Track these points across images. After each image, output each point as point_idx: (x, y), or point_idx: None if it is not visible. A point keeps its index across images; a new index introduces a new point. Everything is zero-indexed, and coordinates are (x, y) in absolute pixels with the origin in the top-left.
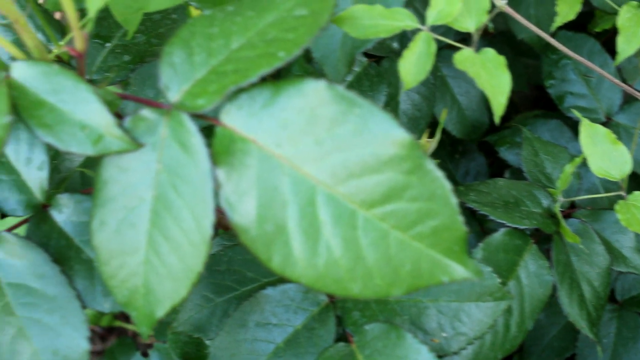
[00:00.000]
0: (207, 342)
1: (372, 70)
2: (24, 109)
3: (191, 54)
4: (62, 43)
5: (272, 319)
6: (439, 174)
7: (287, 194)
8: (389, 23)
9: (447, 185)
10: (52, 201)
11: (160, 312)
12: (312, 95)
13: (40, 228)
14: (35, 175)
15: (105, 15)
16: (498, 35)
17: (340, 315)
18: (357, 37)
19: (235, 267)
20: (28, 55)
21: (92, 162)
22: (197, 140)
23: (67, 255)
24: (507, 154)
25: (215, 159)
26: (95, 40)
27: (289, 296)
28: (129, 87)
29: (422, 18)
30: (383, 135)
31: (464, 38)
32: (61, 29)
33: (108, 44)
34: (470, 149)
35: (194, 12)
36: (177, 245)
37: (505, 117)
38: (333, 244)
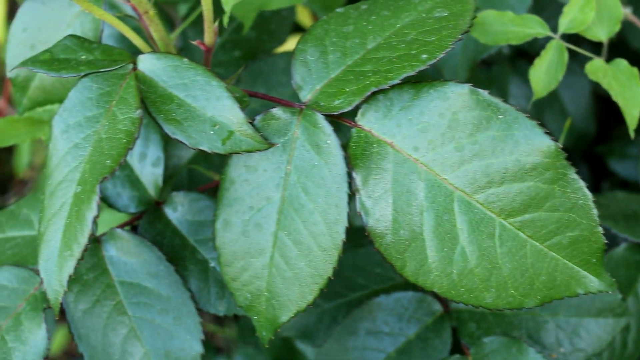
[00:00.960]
0: (312, 349)
1: (482, 75)
2: (152, 103)
3: (325, 53)
4: (173, 36)
5: (383, 328)
6: (582, 184)
7: (423, 200)
8: (520, 30)
9: (590, 196)
10: (166, 198)
11: (285, 317)
12: (455, 99)
13: (153, 226)
14: (150, 171)
15: (215, 9)
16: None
17: (456, 326)
18: (485, 43)
19: (345, 272)
20: (152, 48)
21: (200, 160)
22: (332, 141)
23: (181, 254)
24: (617, 166)
25: (351, 162)
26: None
27: (402, 305)
28: (239, 84)
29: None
30: (527, 143)
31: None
32: (169, 21)
33: (218, 39)
34: (574, 159)
35: (302, 10)
36: (306, 249)
37: (609, 127)
38: (469, 253)
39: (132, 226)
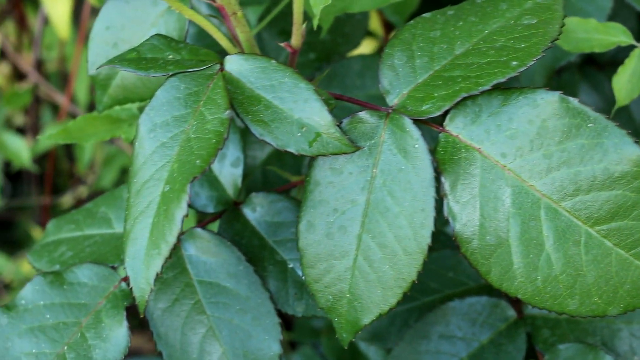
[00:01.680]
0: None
1: (552, 82)
2: (239, 104)
3: (412, 57)
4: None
5: (457, 332)
6: None
7: (509, 206)
8: (604, 38)
9: None
10: (245, 199)
11: (367, 319)
12: (544, 107)
13: (232, 226)
14: (229, 171)
15: (289, 10)
16: None
17: (530, 332)
18: (569, 50)
19: (418, 276)
20: (238, 49)
21: (274, 161)
22: (420, 146)
23: (260, 255)
24: None
25: (439, 167)
26: (280, 36)
27: (476, 310)
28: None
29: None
30: (616, 151)
31: None
32: None
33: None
34: None
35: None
36: (390, 253)
37: None
38: (554, 260)
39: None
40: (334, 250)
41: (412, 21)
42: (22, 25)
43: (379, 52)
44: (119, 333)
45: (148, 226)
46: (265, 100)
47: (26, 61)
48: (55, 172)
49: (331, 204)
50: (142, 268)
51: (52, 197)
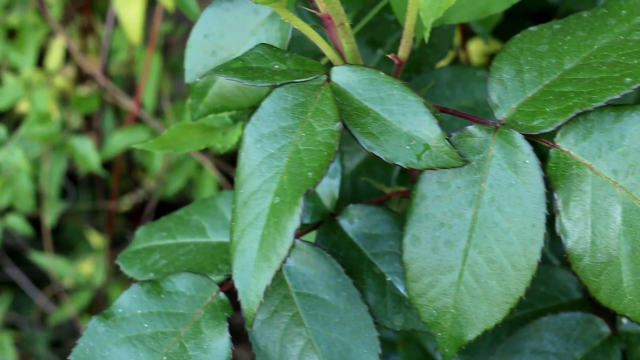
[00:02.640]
0: None
1: None
2: (347, 116)
3: (520, 71)
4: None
5: (550, 348)
6: None
7: (620, 224)
8: None
9: None
10: (342, 210)
11: (471, 335)
12: None
13: (329, 237)
14: (326, 182)
15: (378, 20)
16: None
17: (625, 349)
18: None
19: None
20: (342, 60)
21: (363, 171)
22: (531, 161)
23: (358, 267)
24: None
25: (552, 183)
26: (368, 46)
27: (569, 325)
28: None
29: None
30: None
31: None
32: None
33: (379, 50)
34: None
35: None
36: (498, 268)
37: None
38: None
39: None
40: (439, 264)
41: (518, 35)
42: (87, 27)
43: (467, 63)
44: (220, 344)
45: (257, 238)
46: (374, 112)
47: (91, 64)
48: (108, 177)
49: (437, 217)
50: (251, 280)
51: (109, 202)
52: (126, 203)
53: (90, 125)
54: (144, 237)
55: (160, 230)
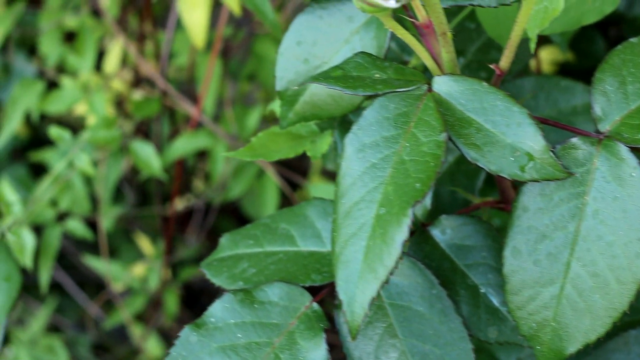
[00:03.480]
0: None
1: None
2: (450, 126)
3: (623, 83)
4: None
5: None
6: None
7: None
8: None
9: None
10: (433, 221)
11: (572, 348)
12: None
13: (421, 248)
14: None
15: (460, 28)
16: None
17: None
18: None
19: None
20: (439, 69)
21: (446, 181)
22: (637, 175)
23: (451, 279)
24: None
25: None
26: None
27: None
28: None
29: None
30: None
31: None
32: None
33: (462, 59)
34: None
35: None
36: (602, 282)
37: None
38: None
39: None
40: (540, 277)
41: (619, 46)
42: (144, 31)
43: (538, 72)
44: (316, 356)
45: (362, 249)
46: (477, 123)
47: (148, 67)
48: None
49: (539, 230)
50: (356, 292)
51: (163, 206)
52: (175, 207)
53: (140, 129)
54: (229, 245)
55: (247, 238)
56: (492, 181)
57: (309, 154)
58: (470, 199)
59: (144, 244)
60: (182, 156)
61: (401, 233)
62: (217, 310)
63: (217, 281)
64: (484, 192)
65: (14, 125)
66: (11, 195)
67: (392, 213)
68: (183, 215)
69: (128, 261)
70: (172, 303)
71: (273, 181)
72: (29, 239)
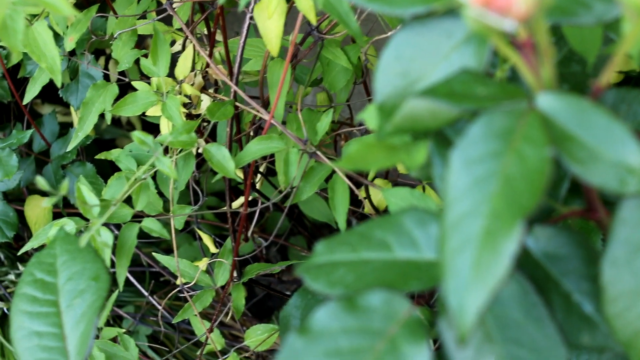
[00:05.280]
0: None
1: None
2: (553, 141)
3: None
4: (505, 67)
5: None
6: None
7: None
8: None
9: None
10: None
11: None
12: None
13: (516, 256)
14: None
15: None
16: None
17: None
18: None
19: None
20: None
21: None
22: None
23: (544, 287)
24: None
25: None
26: None
27: None
28: None
29: None
30: None
31: None
32: None
33: None
34: None
35: None
36: None
37: None
38: None
39: None
40: (637, 288)
41: None
42: (214, 36)
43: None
44: None
45: (470, 260)
46: (580, 138)
47: (220, 72)
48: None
49: (637, 243)
50: (466, 301)
51: (232, 207)
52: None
53: (201, 132)
54: (324, 251)
55: (342, 245)
56: (573, 189)
57: (405, 164)
58: (556, 208)
59: (207, 241)
60: (255, 158)
61: (511, 245)
62: (321, 316)
63: (316, 286)
64: (568, 201)
65: (89, 126)
66: (90, 197)
67: (501, 226)
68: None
69: (187, 258)
70: (239, 298)
71: (344, 183)
72: (107, 238)
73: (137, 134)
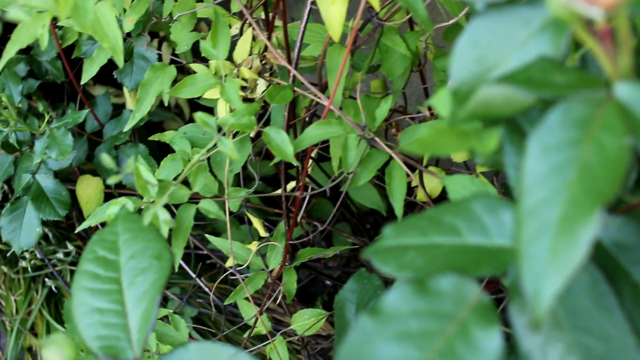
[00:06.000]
0: None
1: None
2: (631, 130)
3: None
4: (575, 56)
5: None
6: None
7: None
8: None
9: None
10: None
11: None
12: None
13: None
14: None
15: None
16: None
17: None
18: None
19: None
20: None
21: None
22: None
23: (613, 276)
24: None
25: None
26: None
27: None
28: None
29: None
30: None
31: None
32: None
33: None
34: None
35: None
36: None
37: None
38: None
39: None
40: None
41: None
42: (272, 21)
43: None
44: (490, 345)
45: (547, 246)
46: None
47: (279, 56)
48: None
49: None
50: (542, 287)
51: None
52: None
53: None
54: (393, 235)
55: (411, 229)
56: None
57: (477, 151)
58: (625, 198)
59: (257, 225)
60: (313, 143)
61: (588, 232)
62: (392, 298)
63: (384, 269)
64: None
65: (146, 107)
66: (149, 176)
67: (579, 213)
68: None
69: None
70: (291, 282)
71: (401, 169)
72: (165, 218)
73: (200, 115)
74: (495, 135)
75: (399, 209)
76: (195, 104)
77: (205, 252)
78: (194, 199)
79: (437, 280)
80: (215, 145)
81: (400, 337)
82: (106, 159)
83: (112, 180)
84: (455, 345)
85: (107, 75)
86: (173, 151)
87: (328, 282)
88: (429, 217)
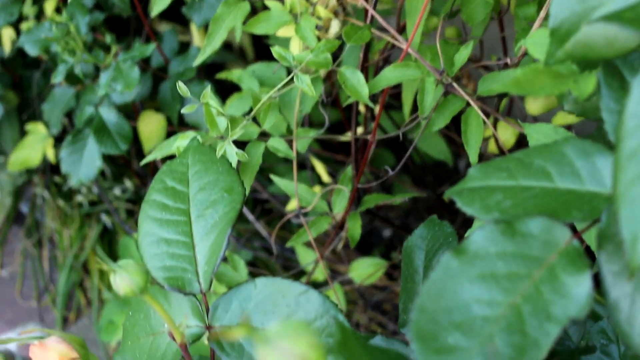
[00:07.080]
0: None
1: None
2: None
3: None
4: None
5: None
6: None
7: None
8: None
9: None
10: None
11: None
12: None
13: None
14: None
15: None
16: None
17: None
18: None
19: None
20: None
21: None
22: None
23: None
24: None
25: None
26: None
27: None
28: None
29: None
30: None
31: None
32: None
33: None
34: None
35: None
36: None
37: None
38: None
39: None
40: None
41: None
42: None
43: None
44: (579, 291)
45: None
46: None
47: None
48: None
49: None
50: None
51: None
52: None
53: None
54: (479, 176)
55: (499, 170)
56: None
57: (574, 93)
58: None
59: (321, 170)
60: (389, 85)
61: None
62: (478, 239)
63: (469, 210)
64: None
65: (217, 42)
66: (220, 110)
67: None
68: (347, 145)
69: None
70: (356, 227)
71: (478, 116)
72: (234, 153)
73: (278, 49)
74: (593, 78)
75: (474, 156)
76: (260, 47)
77: (264, 197)
78: (262, 137)
79: (526, 223)
80: (286, 84)
81: (485, 279)
82: (182, 87)
83: (187, 110)
84: (543, 290)
85: (173, 12)
86: (234, 93)
87: (386, 234)
88: (517, 159)
